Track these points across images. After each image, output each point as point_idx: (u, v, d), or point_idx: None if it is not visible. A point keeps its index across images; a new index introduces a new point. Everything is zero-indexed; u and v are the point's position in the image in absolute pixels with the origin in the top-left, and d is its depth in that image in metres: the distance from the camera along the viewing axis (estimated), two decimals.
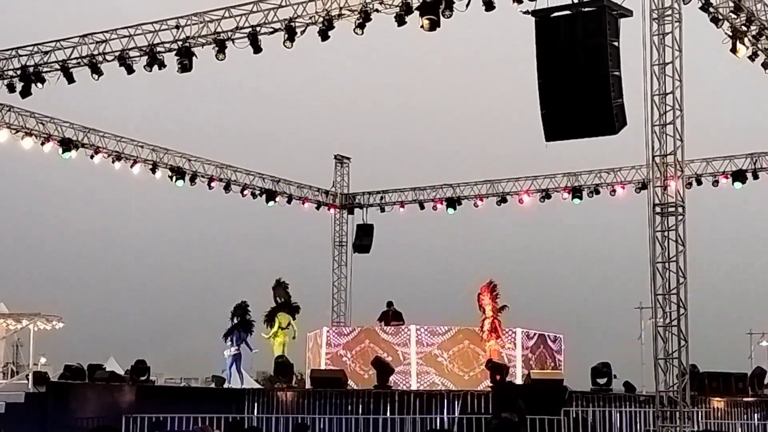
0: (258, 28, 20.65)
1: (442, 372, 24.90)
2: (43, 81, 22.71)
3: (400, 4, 19.28)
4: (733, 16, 19.69)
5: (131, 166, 28.19)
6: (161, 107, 49.63)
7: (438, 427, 21.09)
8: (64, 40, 22.34)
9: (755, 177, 28.16)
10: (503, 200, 31.45)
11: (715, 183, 28.76)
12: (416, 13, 19.02)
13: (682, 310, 17.80)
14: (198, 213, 44.53)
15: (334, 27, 20.07)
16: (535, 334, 26.36)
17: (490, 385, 22.74)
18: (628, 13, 17.44)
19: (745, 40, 20.22)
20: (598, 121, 17.20)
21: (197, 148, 30.44)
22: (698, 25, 19.34)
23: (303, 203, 33.04)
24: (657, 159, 18.18)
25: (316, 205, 33.55)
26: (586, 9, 17.18)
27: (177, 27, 21.34)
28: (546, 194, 30.91)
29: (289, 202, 32.43)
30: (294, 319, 27.42)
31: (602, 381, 23.50)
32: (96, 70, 22.13)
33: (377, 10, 19.70)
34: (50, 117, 26.42)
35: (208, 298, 45.27)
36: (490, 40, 42.56)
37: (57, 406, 21.63)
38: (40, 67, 22.57)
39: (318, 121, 52.07)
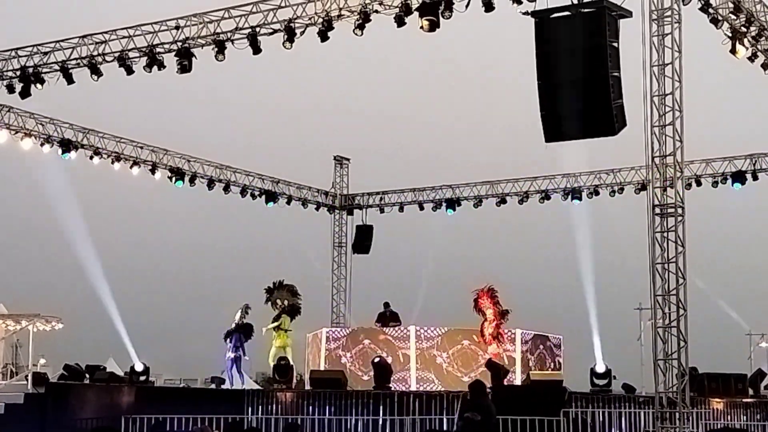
0: (257, 29, 20.65)
1: (441, 373, 24.90)
2: (42, 82, 22.71)
3: (400, 5, 19.28)
4: (733, 17, 19.68)
5: (131, 167, 28.21)
6: (160, 108, 49.59)
7: (437, 428, 21.08)
8: (63, 40, 22.34)
9: (755, 178, 28.18)
10: (503, 201, 31.47)
11: (715, 184, 28.79)
12: (416, 14, 19.04)
13: (681, 311, 17.80)
14: (197, 214, 44.45)
15: (333, 28, 20.07)
16: (534, 334, 26.38)
17: (490, 386, 22.74)
18: (627, 13, 17.43)
19: (745, 41, 20.21)
20: (597, 122, 17.20)
21: (197, 149, 30.47)
22: (698, 26, 19.34)
23: (303, 204, 33.05)
24: (656, 160, 18.18)
25: (315, 206, 33.57)
26: (586, 10, 17.18)
27: (176, 28, 21.34)
28: (545, 195, 30.93)
29: (288, 203, 32.45)
30: (292, 320, 27.44)
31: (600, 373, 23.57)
32: (95, 70, 22.13)
33: (377, 11, 19.70)
34: (50, 118, 26.44)
35: (207, 298, 45.22)
36: (490, 41, 42.54)
37: (56, 406, 21.63)
38: (39, 68, 22.56)
39: (317, 122, 52.04)
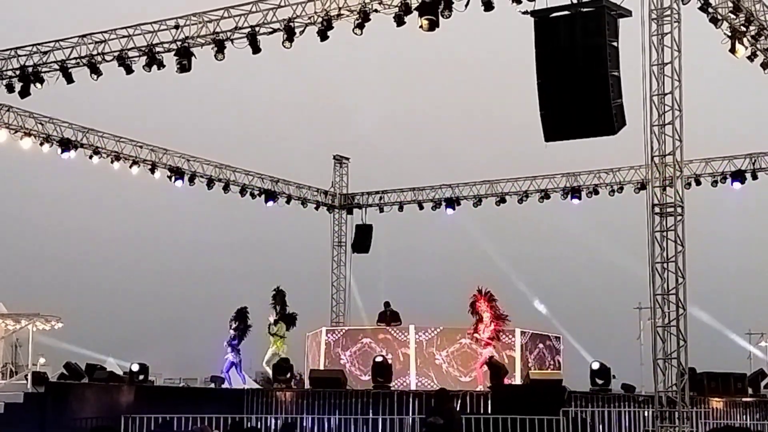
0: (257, 29, 20.65)
1: (440, 372, 24.90)
2: (42, 81, 22.70)
3: (399, 5, 19.27)
4: (732, 16, 19.69)
5: (130, 167, 28.20)
6: (160, 107, 49.60)
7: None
8: (63, 40, 22.33)
9: (754, 177, 28.17)
10: (502, 200, 31.46)
11: (714, 183, 28.78)
12: (415, 13, 19.02)
13: (681, 311, 17.81)
14: (196, 213, 44.44)
15: (333, 27, 20.07)
16: (534, 334, 26.37)
17: (489, 385, 22.75)
18: (627, 13, 17.44)
19: (744, 40, 20.21)
20: (597, 121, 17.20)
21: (196, 149, 30.47)
22: (697, 25, 19.34)
23: (302, 203, 33.04)
24: (656, 159, 18.19)
25: (315, 206, 33.57)
26: (586, 9, 17.18)
27: (176, 27, 21.33)
28: (545, 194, 30.93)
29: (288, 202, 32.43)
30: (288, 329, 27.43)
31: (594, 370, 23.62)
32: (95, 70, 22.12)
33: (376, 11, 19.70)
34: (49, 117, 26.43)
35: (207, 297, 45.25)
36: (489, 41, 42.52)
37: (56, 406, 21.62)
38: (39, 67, 22.55)
39: (317, 121, 52.05)
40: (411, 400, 22.13)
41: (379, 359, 24.10)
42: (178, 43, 21.30)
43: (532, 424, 19.18)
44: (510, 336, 25.36)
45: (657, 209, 18.14)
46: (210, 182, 29.95)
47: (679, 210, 18.13)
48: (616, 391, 24.25)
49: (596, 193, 30.42)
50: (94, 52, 22.02)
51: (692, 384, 20.16)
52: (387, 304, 27.40)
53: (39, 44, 22.55)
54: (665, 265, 17.97)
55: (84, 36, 22.15)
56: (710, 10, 19.33)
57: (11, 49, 22.86)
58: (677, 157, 18.16)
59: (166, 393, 25.99)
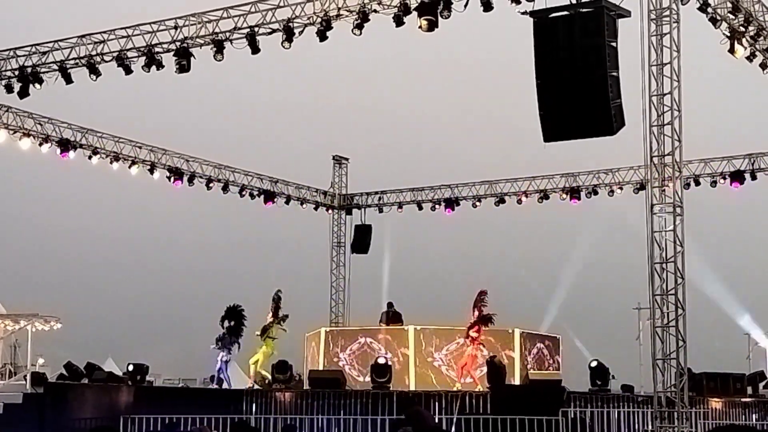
0: (256, 29, 20.66)
1: (439, 372, 24.89)
2: (41, 81, 22.70)
3: (398, 5, 19.28)
4: (731, 16, 19.70)
5: (129, 167, 28.19)
6: (159, 108, 49.58)
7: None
8: (62, 40, 22.33)
9: (753, 177, 28.17)
10: (501, 201, 31.46)
11: (713, 183, 28.79)
12: (414, 13, 19.03)
13: (680, 311, 17.81)
14: (196, 213, 44.47)
15: (332, 28, 20.08)
16: (533, 334, 26.37)
17: (488, 385, 22.74)
18: (626, 13, 17.44)
19: (743, 40, 20.22)
20: (596, 121, 17.20)
21: (195, 149, 30.45)
22: (696, 25, 19.35)
23: (301, 204, 33.04)
24: (655, 159, 18.19)
25: (314, 206, 33.57)
26: (585, 9, 17.18)
27: (175, 27, 21.34)
28: (544, 195, 30.93)
29: (287, 202, 32.43)
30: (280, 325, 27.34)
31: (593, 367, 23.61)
32: (94, 70, 22.12)
33: (375, 11, 19.71)
34: (48, 117, 26.42)
35: (206, 298, 45.19)
36: (489, 41, 42.52)
37: (55, 406, 21.62)
38: (38, 68, 22.56)
39: (316, 121, 52.02)
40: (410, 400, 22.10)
41: (381, 360, 23.99)
42: (177, 43, 21.31)
43: (532, 425, 19.16)
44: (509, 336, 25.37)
45: (656, 209, 18.15)
46: (209, 182, 29.95)
47: (678, 210, 18.14)
48: (615, 391, 24.25)
49: (595, 193, 30.43)
50: (93, 53, 22.03)
51: (691, 384, 20.16)
52: (390, 305, 27.42)
53: (38, 44, 22.56)
54: (664, 265, 17.97)
55: (83, 36, 22.15)
56: (709, 10, 19.34)
57: (10, 49, 22.86)
58: (676, 158, 18.17)
59: (166, 393, 25.99)
